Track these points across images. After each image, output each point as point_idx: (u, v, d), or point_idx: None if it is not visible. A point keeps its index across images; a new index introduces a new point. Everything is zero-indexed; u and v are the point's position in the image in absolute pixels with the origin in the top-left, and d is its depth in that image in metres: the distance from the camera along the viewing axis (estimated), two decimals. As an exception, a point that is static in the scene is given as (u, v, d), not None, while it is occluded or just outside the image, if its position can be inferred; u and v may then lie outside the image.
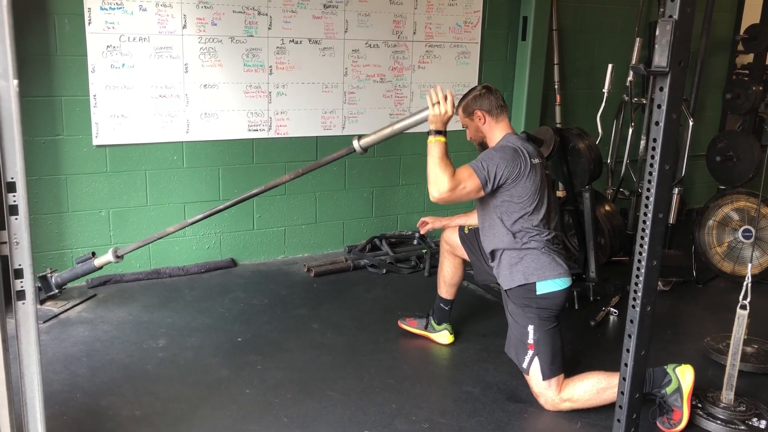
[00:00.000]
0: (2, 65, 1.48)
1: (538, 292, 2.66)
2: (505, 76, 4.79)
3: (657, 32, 1.86)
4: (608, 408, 2.48)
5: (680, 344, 3.36)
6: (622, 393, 2.14)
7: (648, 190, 1.97)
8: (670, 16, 1.81)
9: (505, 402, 2.76)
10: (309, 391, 2.79)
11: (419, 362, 3.14)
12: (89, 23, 3.56)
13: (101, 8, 3.56)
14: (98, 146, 3.73)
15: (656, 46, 1.86)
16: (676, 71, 1.86)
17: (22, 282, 1.61)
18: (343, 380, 2.88)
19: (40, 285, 3.40)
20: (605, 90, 4.19)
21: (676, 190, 4.31)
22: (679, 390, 2.52)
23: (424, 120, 2.69)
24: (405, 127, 2.78)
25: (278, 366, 2.99)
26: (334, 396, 2.75)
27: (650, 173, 1.96)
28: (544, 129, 3.73)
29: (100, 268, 3.36)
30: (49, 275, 3.41)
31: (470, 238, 3.04)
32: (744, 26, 5.19)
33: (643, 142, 4.75)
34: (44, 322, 3.31)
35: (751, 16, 5.24)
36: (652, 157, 1.94)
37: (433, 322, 3.25)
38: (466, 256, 3.08)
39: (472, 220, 3.10)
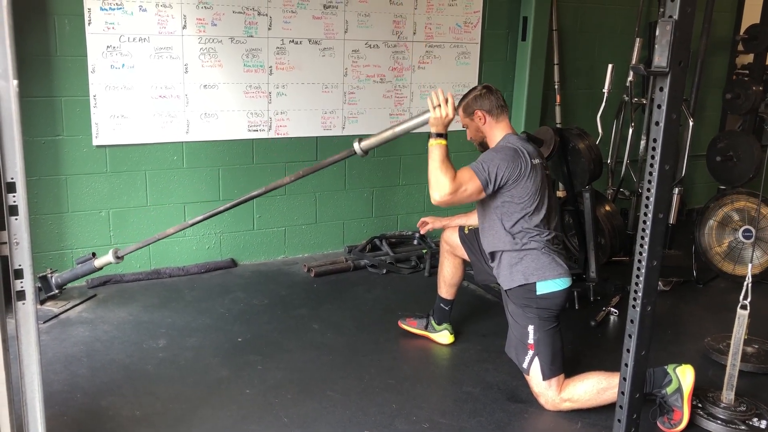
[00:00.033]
0: (2, 65, 1.48)
1: (538, 292, 2.66)
2: (505, 76, 4.79)
3: (657, 32, 1.86)
4: (609, 408, 2.48)
5: (681, 344, 3.36)
6: (623, 393, 2.14)
7: (648, 190, 1.97)
8: (670, 16, 1.81)
9: (506, 402, 2.75)
10: (309, 391, 2.79)
11: (419, 362, 3.14)
12: (89, 23, 3.56)
13: (101, 9, 3.56)
14: (98, 146, 3.73)
15: (656, 46, 1.86)
16: (676, 71, 1.86)
17: (22, 282, 1.61)
18: (343, 380, 2.88)
19: (40, 285, 3.40)
20: (605, 90, 4.19)
21: (676, 190, 4.31)
22: (679, 390, 2.52)
23: (425, 123, 2.69)
24: (406, 129, 2.78)
25: (278, 366, 2.99)
26: (334, 396, 2.75)
27: (650, 173, 1.96)
28: (544, 129, 3.73)
29: (101, 268, 3.35)
30: (49, 275, 3.41)
31: (470, 238, 3.04)
32: (744, 26, 5.20)
33: (643, 142, 4.75)
34: (44, 322, 3.31)
35: (751, 16, 5.24)
36: (652, 157, 1.94)
37: (433, 322, 3.25)
38: (466, 256, 3.08)
39: (472, 220, 3.10)
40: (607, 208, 4.20)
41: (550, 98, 4.90)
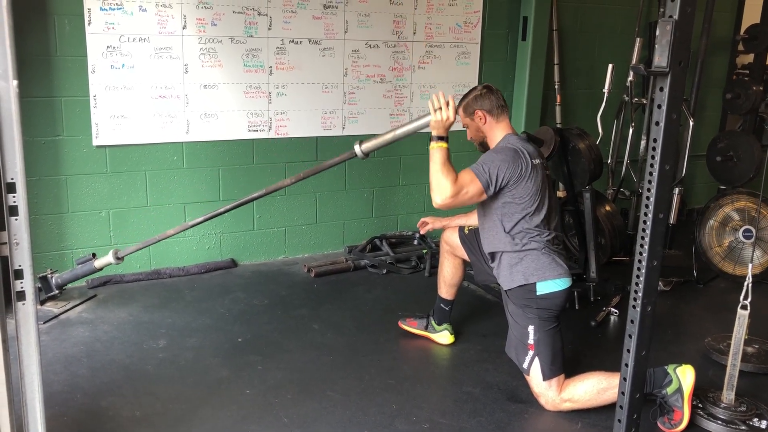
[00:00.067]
0: (2, 66, 1.48)
1: (538, 293, 2.66)
2: (505, 76, 4.79)
3: (657, 32, 1.86)
4: (609, 408, 2.48)
5: (681, 344, 3.35)
6: (623, 393, 2.14)
7: (648, 190, 1.97)
8: (670, 16, 1.81)
9: (506, 402, 2.75)
10: (309, 391, 2.78)
11: (420, 363, 3.14)
12: (89, 24, 3.56)
13: (101, 9, 3.56)
14: (98, 147, 3.73)
15: (656, 46, 1.86)
16: (676, 71, 1.86)
17: (22, 283, 1.61)
18: (343, 381, 2.88)
19: (40, 286, 3.40)
20: (605, 90, 4.18)
21: (676, 190, 4.31)
22: (679, 390, 2.52)
23: (426, 125, 2.69)
24: (407, 132, 2.78)
25: (278, 366, 2.99)
26: (334, 396, 2.75)
27: (650, 173, 1.96)
28: (544, 129, 3.73)
29: (101, 269, 3.36)
30: (49, 276, 3.41)
31: (470, 238, 3.04)
32: (744, 26, 5.20)
33: (643, 142, 4.75)
34: (44, 322, 3.31)
35: (751, 16, 5.24)
36: (653, 157, 1.94)
37: (433, 322, 3.25)
38: (466, 257, 3.08)
39: (472, 220, 3.10)
40: (608, 208, 4.20)
41: (551, 98, 4.90)
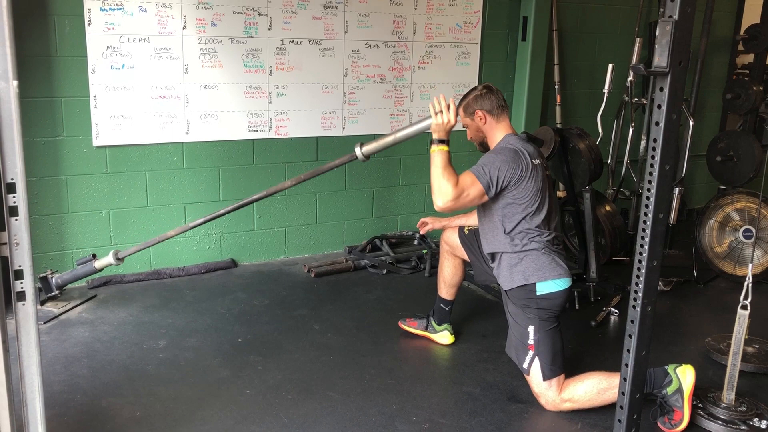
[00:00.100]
0: (2, 66, 1.48)
1: (538, 293, 2.66)
2: (506, 76, 4.79)
3: (657, 32, 1.86)
4: (609, 408, 2.48)
5: (681, 344, 3.35)
6: (623, 393, 2.14)
7: (648, 190, 1.97)
8: (670, 16, 1.81)
9: (506, 402, 2.75)
10: (309, 391, 2.79)
11: (420, 363, 3.14)
12: (89, 24, 3.56)
13: (101, 9, 3.56)
14: (98, 147, 3.73)
15: (656, 46, 1.86)
16: (676, 71, 1.86)
17: (22, 283, 1.61)
18: (343, 381, 2.88)
19: (40, 286, 3.41)
20: (605, 90, 4.18)
21: (676, 190, 4.31)
22: (680, 390, 2.52)
23: (427, 129, 2.69)
24: (407, 135, 2.79)
25: (278, 367, 2.99)
26: (334, 397, 2.75)
27: (650, 173, 1.96)
28: (544, 129, 3.73)
29: (101, 270, 3.37)
30: (49, 276, 3.41)
31: (470, 238, 3.04)
32: (744, 26, 5.20)
33: (643, 142, 4.75)
34: (45, 322, 3.31)
35: (751, 16, 5.24)
36: (653, 157, 1.94)
37: (433, 322, 3.25)
38: (466, 257, 3.08)
39: (471, 220, 3.10)
40: (608, 208, 4.20)
41: (551, 98, 4.90)
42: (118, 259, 3.25)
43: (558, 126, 4.83)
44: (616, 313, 3.63)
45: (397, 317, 3.42)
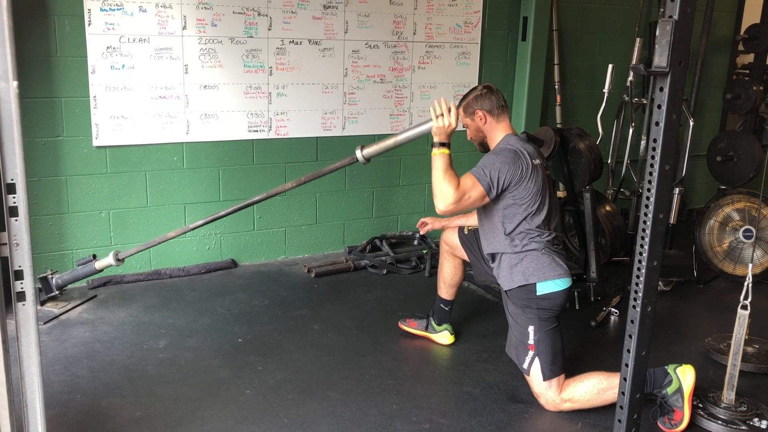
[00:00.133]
0: (2, 67, 1.48)
1: (538, 293, 2.66)
2: (506, 76, 4.79)
3: (657, 32, 1.86)
4: (609, 408, 2.48)
5: (681, 344, 3.35)
6: (623, 393, 2.14)
7: (648, 190, 1.97)
8: (670, 16, 1.81)
9: (506, 402, 2.75)
10: (309, 391, 2.79)
11: (420, 363, 3.14)
12: (89, 24, 3.56)
13: (101, 9, 3.56)
14: (98, 147, 3.73)
15: (656, 46, 1.86)
16: (676, 71, 1.86)
17: (22, 283, 1.61)
18: (343, 381, 2.88)
19: (40, 286, 3.41)
20: (605, 90, 4.18)
21: (676, 191, 4.31)
22: (680, 390, 2.52)
23: (428, 132, 2.70)
24: (408, 138, 2.79)
25: (279, 367, 2.99)
26: (334, 397, 2.75)
27: (651, 173, 1.96)
28: (544, 129, 3.73)
29: (101, 270, 3.37)
30: (49, 276, 3.41)
31: (470, 238, 3.04)
32: (744, 26, 5.20)
33: (643, 143, 4.75)
34: (45, 323, 3.31)
35: (751, 16, 5.24)
36: (653, 157, 1.94)
37: (433, 322, 3.25)
38: (465, 257, 3.08)
39: (471, 220, 3.10)
40: (608, 208, 4.20)
41: (551, 98, 4.90)
42: (118, 260, 3.26)
43: (558, 126, 4.83)
44: (616, 313, 3.63)
45: (397, 317, 3.42)
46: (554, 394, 2.64)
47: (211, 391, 2.77)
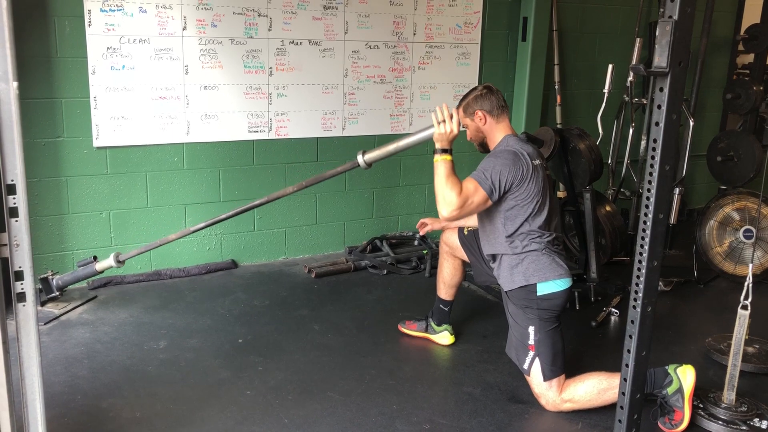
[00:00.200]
0: (2, 67, 1.48)
1: (538, 293, 2.65)
2: (506, 76, 4.79)
3: (657, 32, 1.86)
4: (609, 408, 2.48)
5: (681, 344, 3.35)
6: (623, 393, 2.14)
7: (648, 190, 1.97)
8: (670, 17, 1.81)
9: (506, 403, 2.75)
10: (310, 392, 2.79)
11: (420, 363, 3.14)
12: (89, 25, 3.56)
13: (101, 10, 3.57)
14: (99, 148, 3.73)
15: (656, 46, 1.86)
16: (676, 71, 1.86)
17: (22, 284, 1.61)
18: (343, 381, 2.88)
19: (40, 287, 3.41)
20: (606, 90, 4.18)
21: (676, 191, 4.31)
22: (680, 390, 2.52)
23: (430, 138, 2.70)
24: (410, 144, 2.79)
25: (279, 367, 2.99)
26: (334, 397, 2.75)
27: (651, 174, 1.96)
28: (544, 129, 3.73)
29: (101, 272, 3.37)
30: (50, 277, 3.42)
31: (470, 239, 3.04)
32: (744, 26, 5.20)
33: (643, 143, 4.75)
34: (45, 323, 3.31)
35: (751, 16, 5.24)
36: (653, 157, 1.94)
37: (432, 323, 3.25)
38: (465, 258, 3.08)
39: (471, 221, 3.09)
40: (608, 208, 4.20)
41: (551, 98, 4.90)
42: (118, 261, 3.26)
43: (558, 126, 4.82)
44: (616, 313, 3.63)
45: (397, 318, 3.42)
46: (555, 394, 2.64)
47: (211, 391, 2.77)
